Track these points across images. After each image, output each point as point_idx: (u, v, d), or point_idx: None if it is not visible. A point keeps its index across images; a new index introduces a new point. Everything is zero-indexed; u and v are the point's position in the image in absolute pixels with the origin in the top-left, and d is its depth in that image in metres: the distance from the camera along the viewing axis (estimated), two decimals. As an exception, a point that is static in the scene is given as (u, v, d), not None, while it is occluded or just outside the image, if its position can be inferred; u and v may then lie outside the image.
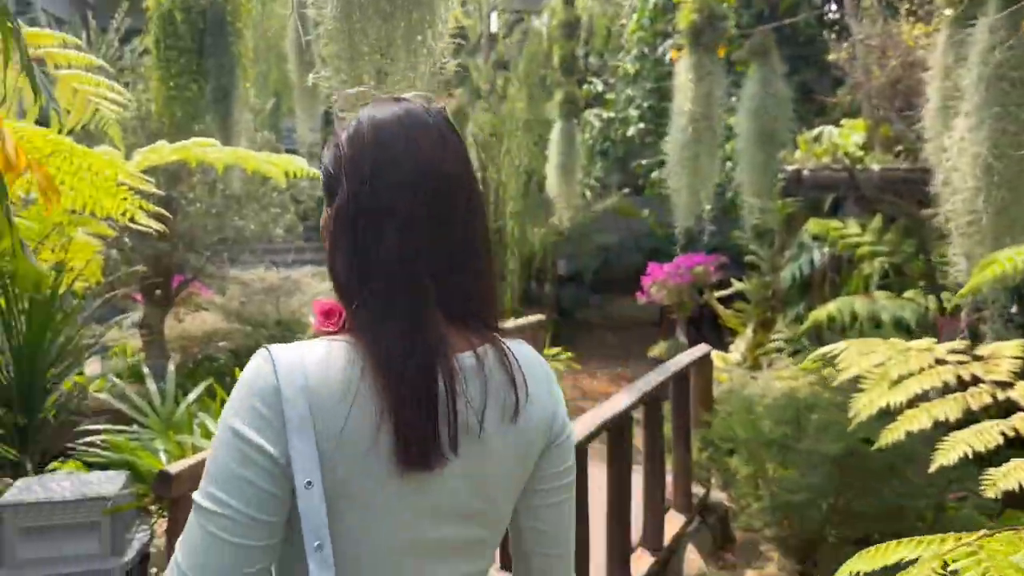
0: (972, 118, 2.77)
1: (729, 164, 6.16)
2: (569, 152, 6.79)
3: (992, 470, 1.63)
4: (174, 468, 2.15)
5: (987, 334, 3.24)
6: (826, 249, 6.31)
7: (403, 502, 0.90)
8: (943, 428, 1.85)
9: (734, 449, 4.32)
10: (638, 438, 3.67)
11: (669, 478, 4.06)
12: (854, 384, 2.36)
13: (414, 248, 0.92)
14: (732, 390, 4.83)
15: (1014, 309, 4.54)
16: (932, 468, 1.73)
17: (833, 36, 6.42)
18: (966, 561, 0.99)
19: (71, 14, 10.89)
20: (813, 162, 6.26)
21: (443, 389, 0.90)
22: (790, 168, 5.65)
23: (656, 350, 8.27)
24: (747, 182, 4.22)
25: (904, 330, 5.14)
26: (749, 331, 6.93)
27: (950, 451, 1.68)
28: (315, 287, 7.55)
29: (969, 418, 1.80)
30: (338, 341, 0.92)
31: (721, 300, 7.67)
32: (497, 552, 1.14)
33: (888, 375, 1.91)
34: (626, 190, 11.10)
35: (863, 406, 1.96)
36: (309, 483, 0.85)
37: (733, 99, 4.82)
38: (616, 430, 3.22)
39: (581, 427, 2.94)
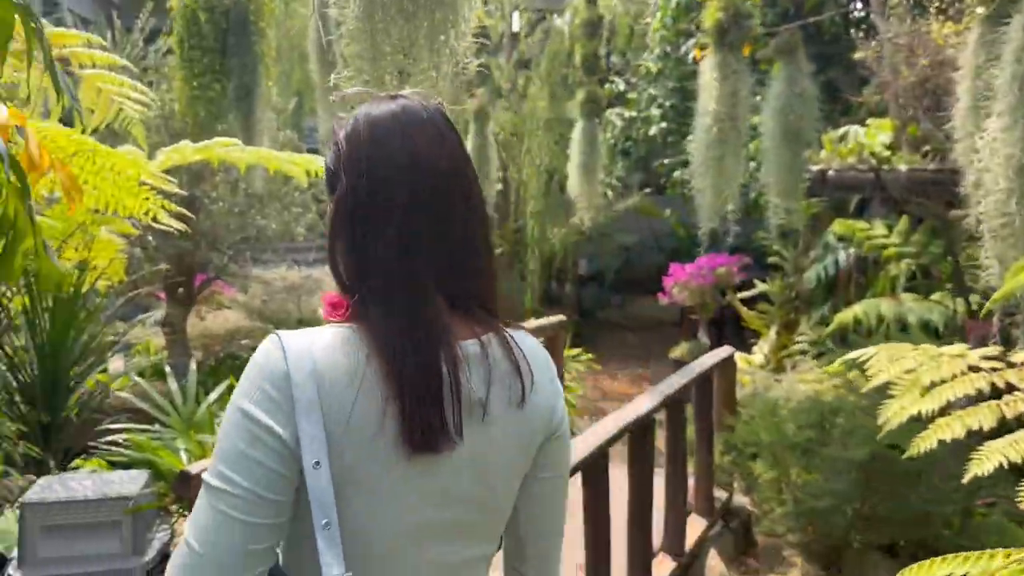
0: (1005, 118, 2.71)
1: (752, 164, 6.09)
2: (591, 152, 6.74)
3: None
4: (195, 468, 2.14)
5: (1019, 339, 3.17)
6: (851, 250, 6.23)
7: (408, 486, 0.92)
8: (973, 434, 1.81)
9: (757, 453, 4.26)
10: (660, 439, 3.63)
11: (691, 481, 4.02)
12: (880, 388, 2.32)
13: (412, 242, 0.94)
14: (755, 393, 4.78)
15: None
16: (966, 479, 1.68)
17: (861, 35, 6.33)
18: (1017, 579, 0.95)
19: (97, 14, 10.99)
20: (838, 162, 6.17)
21: (447, 375, 0.91)
22: (815, 168, 5.57)
23: (678, 351, 8.20)
24: (773, 182, 4.16)
25: (931, 333, 5.06)
26: (772, 333, 6.85)
27: (985, 461, 1.63)
28: (336, 286, 7.57)
29: (1001, 424, 1.75)
30: (344, 328, 0.94)
31: (744, 301, 7.60)
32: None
33: (919, 382, 1.86)
34: (647, 190, 11.03)
35: (894, 413, 1.91)
36: (317, 463, 0.87)
37: (757, 98, 4.76)
38: (638, 433, 3.18)
39: (602, 430, 2.90)
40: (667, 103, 9.00)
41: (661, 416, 3.62)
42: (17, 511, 2.58)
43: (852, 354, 2.23)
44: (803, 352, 6.15)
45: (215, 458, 0.89)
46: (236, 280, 7.47)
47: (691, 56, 8.17)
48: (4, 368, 3.66)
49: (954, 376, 1.84)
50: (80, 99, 3.55)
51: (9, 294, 3.29)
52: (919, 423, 1.91)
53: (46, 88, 2.90)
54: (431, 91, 1.61)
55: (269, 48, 6.77)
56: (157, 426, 3.77)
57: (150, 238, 5.64)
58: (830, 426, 3.98)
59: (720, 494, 4.36)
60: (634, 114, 9.89)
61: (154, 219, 3.28)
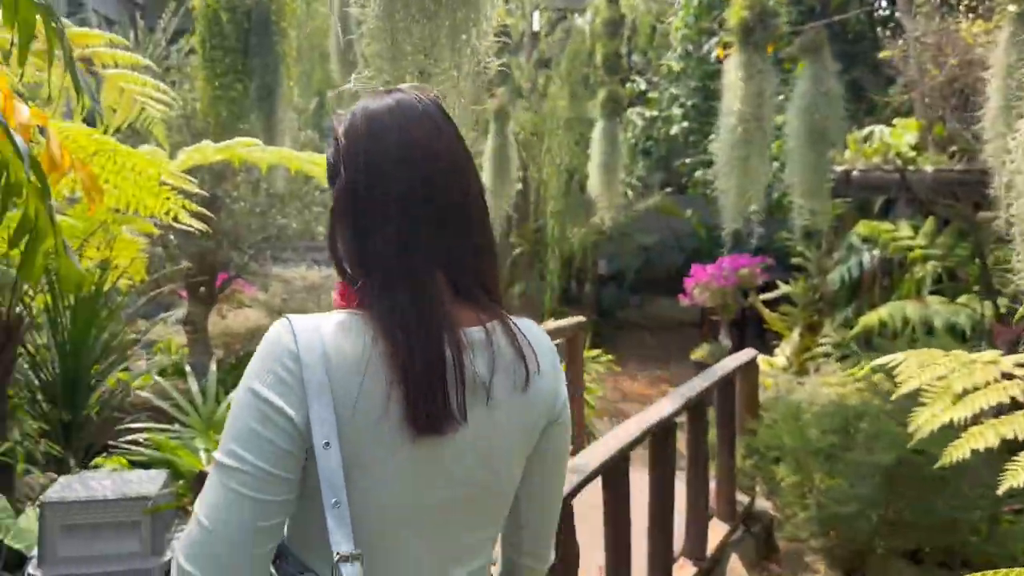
0: (1039, 118, 2.65)
1: (775, 164, 6.02)
2: (611, 151, 6.69)
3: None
4: (213, 469, 2.13)
5: (1051, 344, 3.10)
6: (876, 252, 6.14)
7: (414, 468, 0.94)
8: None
9: (779, 457, 4.21)
10: (681, 442, 3.59)
11: (712, 485, 3.97)
12: (905, 391, 2.27)
13: (412, 233, 0.96)
14: (778, 396, 4.72)
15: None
16: (1001, 489, 1.64)
17: (888, 33, 6.24)
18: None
19: (121, 14, 11.08)
20: (863, 162, 6.09)
21: (450, 358, 0.93)
22: (839, 168, 5.50)
23: (699, 353, 8.13)
24: (798, 183, 4.09)
25: (958, 336, 4.97)
26: (795, 335, 6.77)
27: (1021, 472, 1.58)
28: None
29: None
30: (350, 314, 0.96)
31: (766, 303, 7.52)
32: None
33: (951, 389, 1.81)
34: (668, 189, 10.96)
35: (925, 421, 1.86)
36: (327, 444, 0.89)
37: (780, 98, 4.69)
38: (660, 436, 3.14)
39: (624, 433, 2.87)
40: (689, 102, 8.93)
41: (682, 419, 3.58)
42: (37, 509, 2.59)
43: (881, 359, 2.19)
44: (826, 355, 6.08)
45: (226, 437, 0.91)
46: (257, 279, 7.50)
47: (713, 55, 8.10)
48: (26, 366, 3.68)
49: (987, 383, 1.79)
50: (103, 99, 3.57)
51: (31, 293, 3.30)
52: (946, 428, 1.87)
53: (68, 88, 2.91)
54: (452, 91, 1.59)
55: (290, 48, 6.78)
56: (177, 425, 3.77)
57: (172, 237, 5.67)
58: (854, 431, 3.92)
59: (742, 498, 4.31)
60: (655, 113, 9.83)
61: (175, 219, 3.29)
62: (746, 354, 4.39)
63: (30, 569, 2.48)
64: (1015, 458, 1.66)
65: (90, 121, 3.42)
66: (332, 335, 0.93)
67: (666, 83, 9.55)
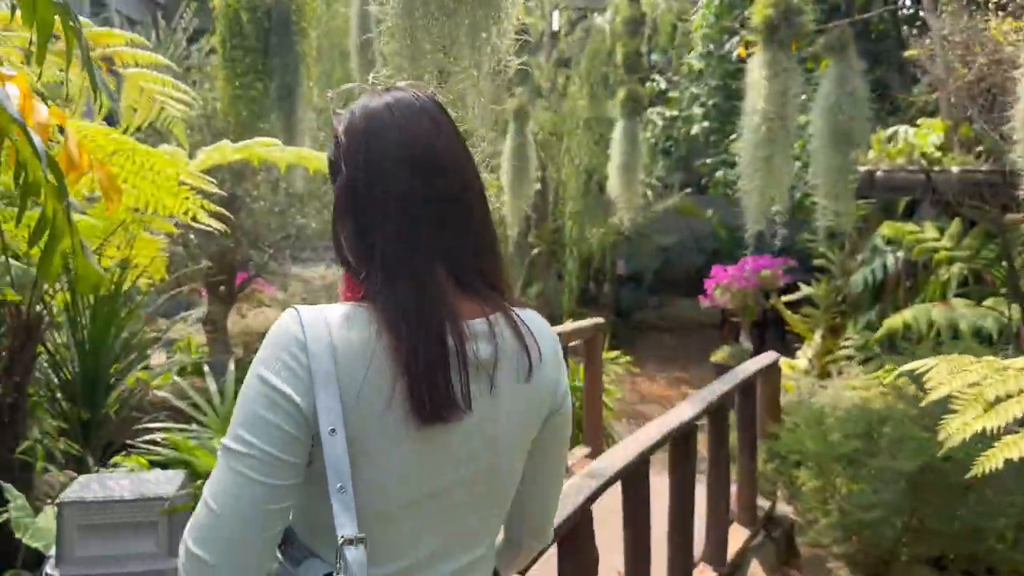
0: (1071, 118, 2.58)
1: (798, 164, 5.95)
2: (631, 151, 6.63)
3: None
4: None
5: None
6: (900, 253, 6.05)
7: (419, 457, 0.96)
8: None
9: (800, 461, 4.15)
10: (701, 444, 3.54)
11: (733, 489, 3.92)
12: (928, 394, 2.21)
13: (412, 228, 0.98)
14: (800, 400, 4.66)
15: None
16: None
17: (914, 32, 6.15)
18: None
19: (143, 14, 11.16)
20: (887, 163, 6.01)
21: (453, 348, 0.95)
22: (862, 169, 5.42)
23: (719, 355, 8.06)
24: (822, 184, 4.03)
25: (984, 340, 4.88)
26: (817, 337, 6.69)
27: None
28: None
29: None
30: (355, 305, 0.98)
31: (787, 304, 7.44)
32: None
33: (983, 396, 1.76)
34: (688, 190, 10.88)
35: (956, 430, 1.81)
36: (333, 431, 0.91)
37: (802, 97, 4.62)
38: (680, 440, 3.10)
39: (644, 436, 2.83)
40: (710, 102, 8.86)
41: (702, 421, 3.54)
42: (55, 508, 2.59)
43: (909, 365, 2.13)
44: (849, 358, 6.00)
45: (234, 423, 0.93)
46: (276, 278, 7.52)
47: (735, 54, 8.02)
48: (46, 365, 3.70)
49: (1021, 391, 1.74)
50: (123, 98, 3.58)
51: (52, 291, 3.31)
52: (973, 435, 1.82)
53: (89, 87, 2.91)
54: (472, 89, 1.57)
55: (310, 48, 6.79)
56: (195, 425, 3.78)
57: (192, 236, 5.69)
58: (878, 435, 3.85)
59: (762, 503, 4.26)
60: (675, 113, 9.76)
61: (193, 218, 3.29)
62: (768, 357, 4.33)
63: (48, 569, 2.48)
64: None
65: (111, 121, 3.43)
66: (338, 326, 0.95)
67: (687, 82, 9.48)
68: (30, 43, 1.84)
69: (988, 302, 5.30)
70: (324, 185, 6.88)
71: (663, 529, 3.11)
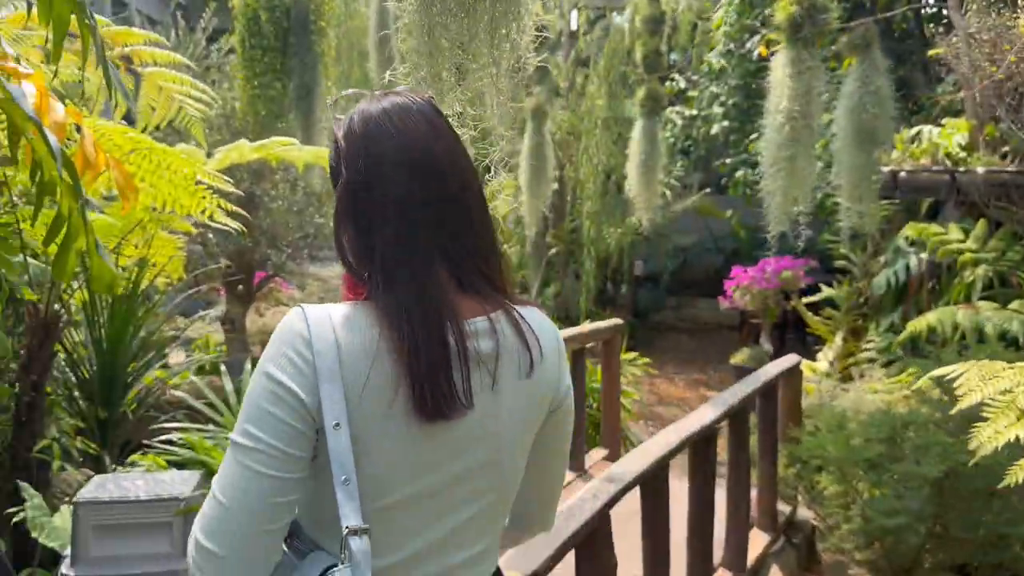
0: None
1: (819, 164, 5.87)
2: (651, 151, 6.58)
3: None
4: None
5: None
6: (924, 255, 5.95)
7: (423, 453, 0.98)
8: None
9: (822, 466, 4.09)
10: (720, 447, 3.49)
11: (753, 493, 3.87)
12: (955, 399, 2.15)
13: (411, 230, 1.00)
14: (821, 403, 4.59)
15: None
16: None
17: (940, 30, 6.05)
18: None
19: (163, 14, 11.22)
20: (910, 163, 5.93)
21: (454, 346, 0.97)
22: (885, 169, 5.34)
23: (739, 357, 7.98)
24: (845, 184, 3.96)
25: (1010, 344, 4.79)
26: (838, 339, 6.61)
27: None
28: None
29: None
30: (358, 304, 1.00)
31: (807, 306, 7.36)
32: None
33: (1016, 404, 1.70)
34: (707, 189, 10.80)
35: (988, 438, 1.76)
36: (337, 425, 0.93)
37: (824, 96, 4.55)
38: (700, 444, 3.06)
39: (663, 440, 2.79)
40: (730, 101, 8.78)
41: (722, 425, 3.49)
42: (71, 508, 2.58)
43: (940, 371, 2.08)
44: (871, 360, 5.91)
45: (241, 418, 0.96)
46: (294, 277, 7.54)
47: (756, 53, 7.95)
48: (63, 364, 3.70)
49: (1055, 398, 1.68)
50: (142, 97, 3.58)
51: (69, 290, 3.32)
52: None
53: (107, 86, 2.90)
54: (490, 87, 1.53)
55: (329, 47, 6.79)
56: (211, 426, 3.77)
57: (211, 236, 5.70)
58: (901, 440, 3.78)
59: (783, 507, 4.20)
60: (695, 112, 9.68)
61: (210, 218, 3.28)
62: (789, 360, 4.27)
63: (63, 569, 2.47)
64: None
65: (131, 120, 3.42)
66: (341, 325, 0.97)
67: (706, 81, 9.40)
68: (46, 40, 1.82)
69: (1014, 305, 5.20)
70: (341, 185, 6.87)
71: (682, 534, 3.07)
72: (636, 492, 2.59)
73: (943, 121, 6.16)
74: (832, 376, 6.08)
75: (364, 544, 0.93)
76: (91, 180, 2.19)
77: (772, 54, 4.17)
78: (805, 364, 5.42)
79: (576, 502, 2.25)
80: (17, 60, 2.05)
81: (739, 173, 8.58)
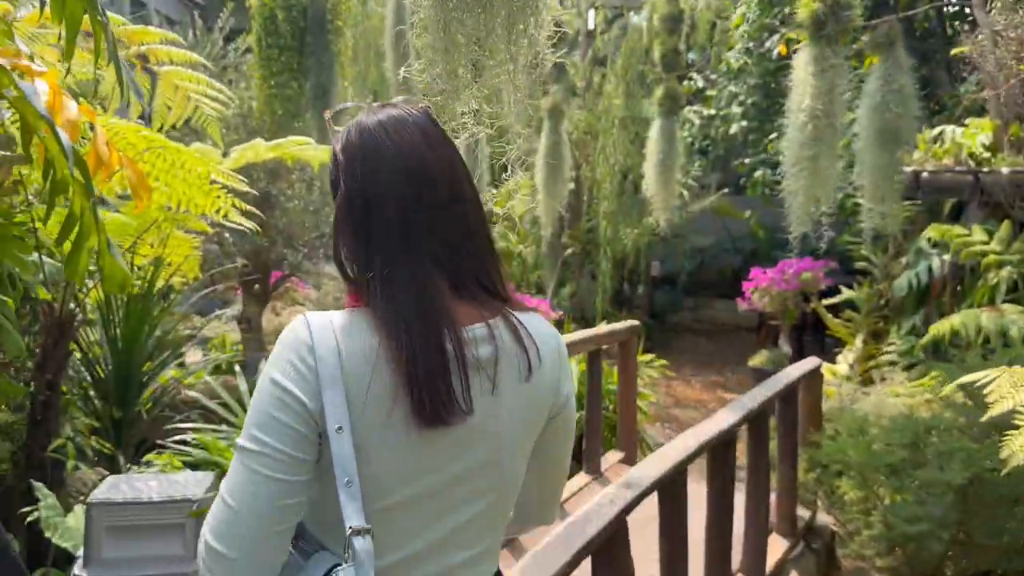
0: None
1: (840, 164, 5.79)
2: (669, 150, 6.52)
3: None
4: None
5: None
6: (947, 257, 5.86)
7: (422, 457, 1.00)
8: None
9: (842, 471, 4.02)
10: (739, 451, 3.44)
11: (772, 497, 3.81)
12: (981, 404, 2.09)
13: (408, 240, 1.03)
14: (842, 406, 4.51)
15: None
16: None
17: (966, 27, 5.96)
18: None
19: (182, 14, 11.27)
20: (933, 163, 5.84)
21: (452, 352, 1.00)
22: (908, 169, 5.26)
23: (757, 359, 7.90)
24: (868, 185, 3.89)
25: (1036, 348, 4.69)
26: (859, 342, 6.52)
27: None
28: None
29: None
30: (358, 312, 1.03)
31: (827, 308, 7.27)
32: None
33: (1049, 411, 1.65)
34: (725, 190, 10.72)
35: (1020, 446, 1.70)
36: (340, 428, 0.96)
37: (847, 95, 4.48)
38: (719, 449, 3.00)
39: (681, 445, 2.74)
40: (749, 100, 8.69)
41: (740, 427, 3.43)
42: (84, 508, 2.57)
43: (969, 377, 2.02)
44: (892, 363, 5.83)
45: (248, 423, 0.98)
46: (310, 277, 7.53)
47: (776, 52, 7.86)
48: (79, 363, 3.70)
49: (1090, 406, 1.62)
50: (158, 96, 3.57)
51: (85, 289, 3.31)
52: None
53: (126, 85, 2.89)
54: (507, 84, 1.49)
55: (346, 47, 6.78)
56: (224, 426, 3.76)
57: (227, 235, 5.70)
58: (924, 445, 3.72)
59: (802, 513, 4.13)
60: (713, 112, 9.60)
61: (225, 217, 3.26)
62: (810, 363, 4.21)
63: (76, 570, 2.46)
64: None
65: (147, 119, 3.41)
66: (343, 331, 1.00)
67: (725, 80, 9.31)
68: (59, 38, 1.80)
69: (1039, 308, 5.11)
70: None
71: (700, 538, 3.02)
72: (653, 496, 2.54)
73: (966, 121, 6.06)
74: (852, 379, 6.00)
75: (367, 544, 0.96)
76: (104, 179, 2.18)
77: (792, 53, 4.10)
78: (825, 367, 5.34)
79: (593, 507, 2.21)
80: (31, 58, 2.04)
81: (758, 173, 8.49)
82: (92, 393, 3.69)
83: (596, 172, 9.86)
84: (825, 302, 7.30)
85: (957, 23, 7.78)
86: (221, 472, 3.07)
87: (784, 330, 8.14)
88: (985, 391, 1.88)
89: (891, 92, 3.81)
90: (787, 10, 7.52)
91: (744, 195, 9.70)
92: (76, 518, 2.77)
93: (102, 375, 3.68)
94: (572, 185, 9.75)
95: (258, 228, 3.49)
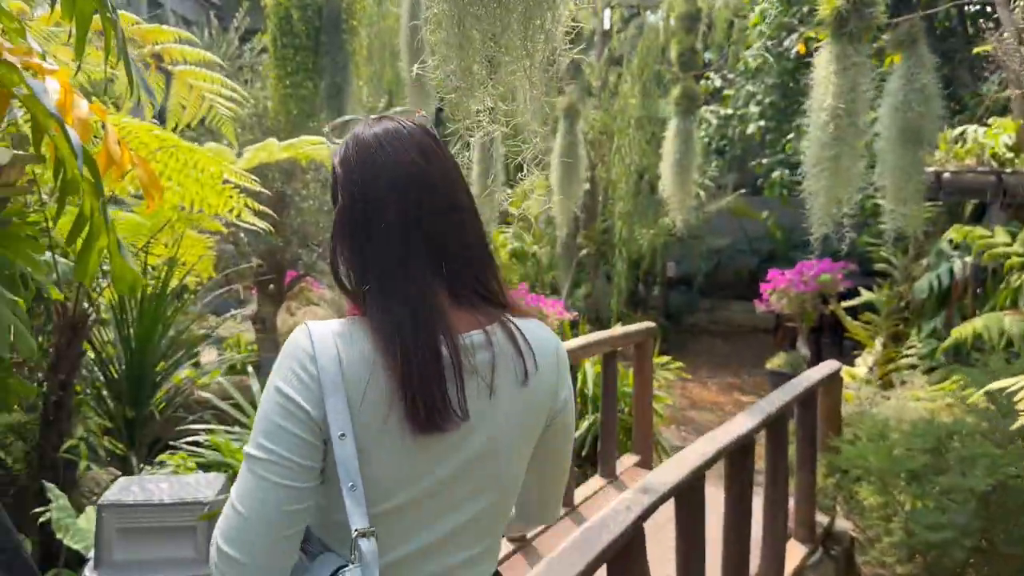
0: None
1: (862, 164, 5.72)
2: (685, 150, 6.46)
3: None
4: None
5: None
6: (968, 258, 5.77)
7: (419, 461, 1.03)
8: None
9: (861, 476, 3.96)
10: (757, 453, 3.39)
11: (790, 503, 3.75)
12: (1004, 408, 2.04)
13: (405, 249, 1.05)
14: (862, 410, 4.44)
15: None
16: None
17: (991, 25, 5.86)
18: None
19: (199, 14, 11.30)
20: (954, 163, 5.76)
21: (448, 358, 1.02)
22: (929, 170, 5.18)
23: (775, 362, 7.82)
24: (889, 186, 3.81)
25: (1060, 352, 4.60)
26: (878, 345, 6.43)
27: None
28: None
29: None
30: (355, 320, 1.05)
31: (846, 310, 7.18)
32: None
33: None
34: (742, 190, 10.63)
35: (1053, 457, 1.64)
36: (343, 435, 0.98)
37: (869, 93, 4.40)
38: (737, 454, 2.95)
39: (701, 449, 2.69)
40: (766, 100, 8.61)
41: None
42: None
43: (997, 384, 1.96)
44: (912, 367, 5.74)
45: (255, 432, 1.01)
46: (325, 277, 7.51)
47: (794, 51, 7.78)
48: (92, 363, 3.69)
49: None
50: (172, 95, 3.56)
51: (98, 289, 3.30)
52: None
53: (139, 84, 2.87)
54: (523, 80, 1.46)
55: (361, 47, 6.77)
56: (237, 428, 3.74)
57: (242, 235, 5.70)
58: (946, 451, 3.64)
59: (821, 518, 4.07)
60: (730, 111, 9.52)
61: (238, 217, 3.24)
62: (829, 366, 4.14)
63: (87, 571, 2.44)
64: None
65: (162, 118, 3.40)
66: (342, 339, 1.02)
67: (742, 80, 9.23)
68: (69, 35, 1.78)
69: (1064, 311, 5.01)
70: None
71: (717, 543, 2.97)
72: (671, 503, 2.50)
73: (989, 120, 5.97)
74: (872, 383, 5.91)
75: (372, 545, 0.99)
76: (116, 178, 2.16)
77: (811, 52, 4.03)
78: (843, 370, 5.27)
79: (609, 514, 2.17)
80: (43, 57, 2.02)
81: (775, 173, 8.41)
82: (105, 393, 3.68)
83: (612, 172, 9.79)
84: (844, 304, 7.21)
85: (981, 21, 7.67)
86: (233, 474, 3.05)
87: (802, 332, 8.06)
88: (1015, 398, 1.83)
89: (913, 91, 3.74)
90: (806, 8, 7.44)
91: (761, 196, 9.61)
92: (87, 519, 2.76)
93: (115, 375, 3.67)
94: (587, 185, 9.69)
95: (271, 228, 3.46)
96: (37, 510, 2.84)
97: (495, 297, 1.12)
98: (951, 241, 5.88)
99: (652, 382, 5.26)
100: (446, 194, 1.09)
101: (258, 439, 1.00)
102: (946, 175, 5.66)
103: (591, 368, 5.63)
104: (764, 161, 8.86)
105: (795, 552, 3.75)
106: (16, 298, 2.26)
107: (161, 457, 3.53)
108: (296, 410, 0.99)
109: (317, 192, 6.50)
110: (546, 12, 1.42)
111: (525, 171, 1.51)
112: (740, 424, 3.02)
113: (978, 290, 5.78)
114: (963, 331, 4.75)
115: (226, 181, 3.13)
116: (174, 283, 3.85)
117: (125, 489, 2.52)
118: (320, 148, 3.96)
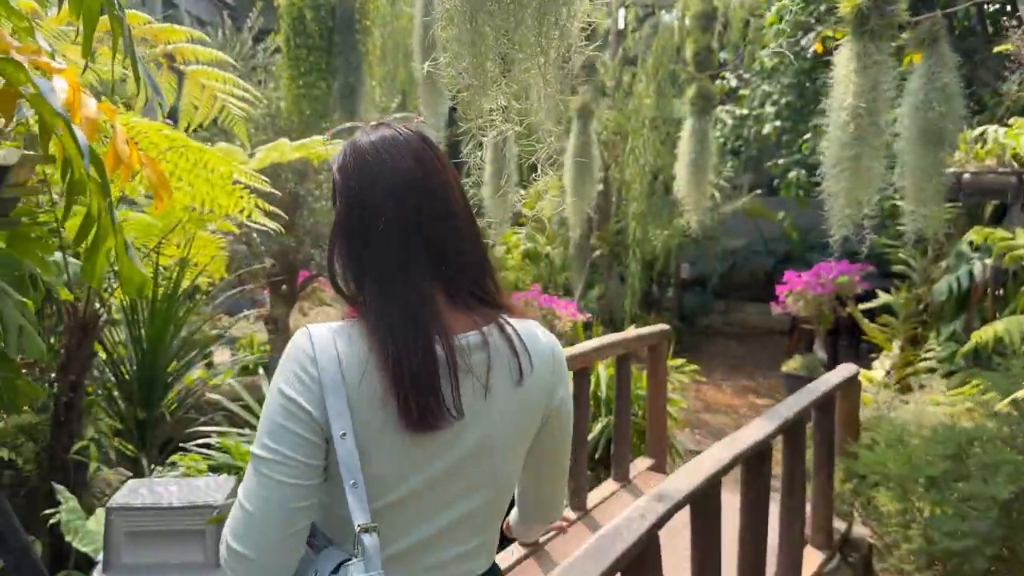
0: None
1: (883, 164, 5.63)
2: (701, 151, 6.40)
3: None
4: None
5: None
6: (989, 261, 5.68)
7: (414, 458, 1.06)
8: None
9: (879, 482, 3.89)
10: (774, 458, 3.33)
11: (807, 509, 3.69)
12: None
13: (402, 253, 1.08)
14: (879, 415, 4.38)
15: None
16: None
17: (1015, 23, 5.78)
18: None
19: (213, 15, 11.33)
20: (975, 164, 5.67)
21: (443, 358, 1.06)
22: (948, 171, 5.10)
23: (791, 365, 7.73)
24: (909, 187, 3.75)
25: (1083, 356, 4.52)
26: (896, 348, 6.35)
27: None
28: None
29: None
30: (353, 322, 1.09)
31: (863, 312, 7.09)
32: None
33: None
34: (758, 191, 10.54)
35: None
36: (344, 434, 1.03)
37: (890, 93, 4.33)
38: (754, 460, 2.90)
39: (715, 455, 2.65)
40: (782, 100, 8.52)
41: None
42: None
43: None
44: (931, 370, 5.66)
45: (260, 432, 1.05)
46: (337, 278, 7.50)
47: (811, 50, 7.70)
48: (103, 364, 3.68)
49: None
50: (184, 95, 3.54)
51: (109, 289, 3.29)
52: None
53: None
54: (537, 78, 1.42)
55: (374, 47, 6.75)
56: (248, 429, 3.72)
57: (255, 235, 5.69)
58: (967, 457, 3.58)
59: (839, 524, 4.01)
60: (746, 112, 9.43)
61: (248, 217, 3.22)
62: (847, 370, 4.07)
63: (95, 575, 2.42)
64: None
65: (174, 118, 3.38)
66: (341, 340, 1.07)
67: (758, 80, 9.15)
68: (77, 33, 1.76)
69: (1087, 314, 4.92)
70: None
71: (733, 550, 2.92)
72: (685, 510, 2.45)
73: (1010, 120, 5.88)
74: (889, 386, 5.84)
75: (374, 540, 1.03)
76: (125, 178, 2.13)
77: (829, 51, 3.97)
78: (861, 373, 5.19)
79: (623, 521, 2.12)
80: (52, 55, 2.00)
81: (792, 174, 8.33)
82: (116, 394, 3.67)
83: (625, 173, 9.73)
84: (861, 307, 7.12)
85: (1003, 19, 7.57)
86: (243, 476, 3.03)
87: (819, 335, 7.97)
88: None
89: (935, 90, 3.67)
90: (823, 7, 7.36)
91: (777, 196, 9.51)
92: (97, 521, 2.74)
93: (126, 376, 3.66)
94: (601, 186, 9.63)
95: (282, 229, 3.44)
96: (47, 512, 2.82)
97: (492, 299, 1.15)
98: (971, 243, 5.79)
99: (666, 385, 5.20)
100: (444, 200, 1.12)
101: (263, 439, 1.04)
102: (966, 176, 5.57)
103: (604, 371, 5.58)
104: (780, 162, 8.78)
105: (812, 559, 3.69)
106: (25, 299, 2.24)
107: (172, 458, 3.51)
108: (298, 411, 1.03)
109: (329, 193, 6.48)
110: (561, 7, 1.38)
111: (539, 171, 1.47)
112: (757, 429, 2.97)
113: (998, 293, 5.69)
114: (984, 334, 4.67)
115: (237, 181, 3.11)
116: (186, 283, 3.84)
117: (134, 492, 2.50)
118: (332, 148, 3.94)
